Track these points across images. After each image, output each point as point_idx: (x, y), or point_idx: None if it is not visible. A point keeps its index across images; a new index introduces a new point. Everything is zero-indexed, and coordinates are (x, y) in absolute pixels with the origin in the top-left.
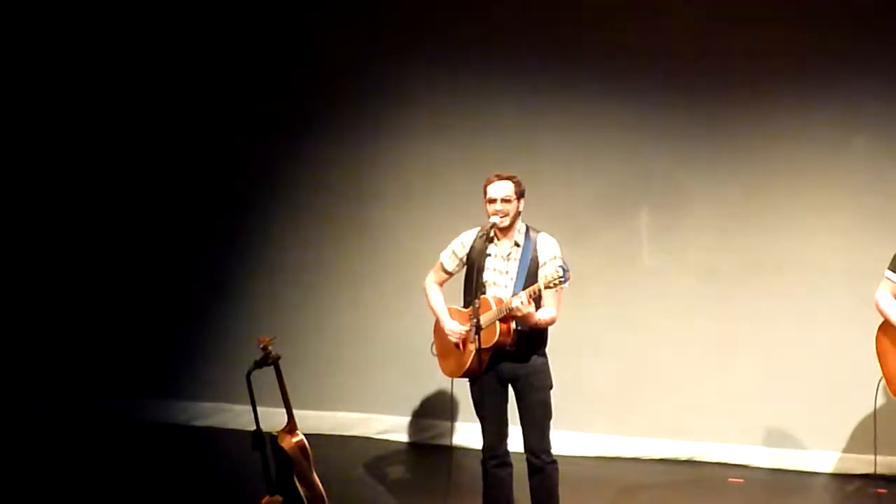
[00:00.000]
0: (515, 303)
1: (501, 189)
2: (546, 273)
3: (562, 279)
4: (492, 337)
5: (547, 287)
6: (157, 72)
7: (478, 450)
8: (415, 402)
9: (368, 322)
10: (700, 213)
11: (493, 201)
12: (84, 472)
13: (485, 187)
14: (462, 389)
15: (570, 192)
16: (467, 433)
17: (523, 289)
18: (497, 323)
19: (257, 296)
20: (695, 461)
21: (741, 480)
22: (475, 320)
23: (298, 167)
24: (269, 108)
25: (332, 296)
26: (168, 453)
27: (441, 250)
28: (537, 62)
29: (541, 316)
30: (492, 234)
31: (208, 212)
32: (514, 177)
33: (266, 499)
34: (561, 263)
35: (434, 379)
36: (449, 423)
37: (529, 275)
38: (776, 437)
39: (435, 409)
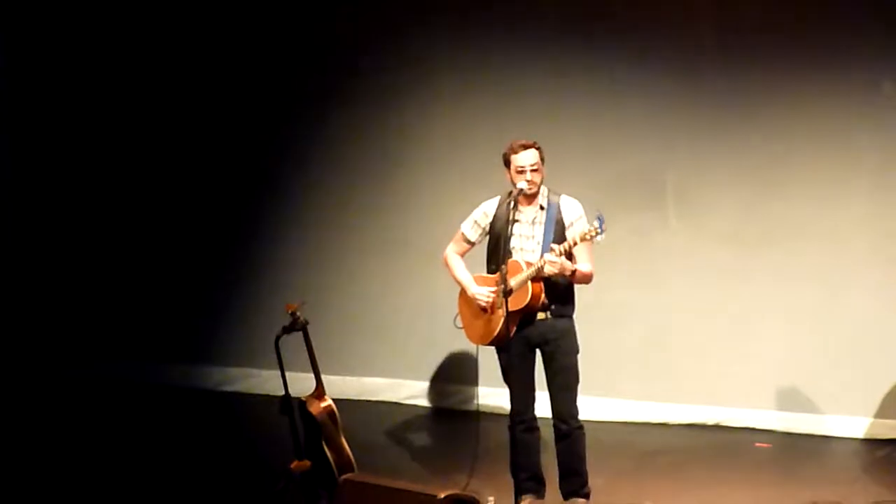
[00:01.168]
0: (548, 256)
1: (530, 157)
2: (579, 229)
3: (598, 230)
4: (524, 298)
5: (583, 239)
6: (186, 42)
7: (503, 415)
8: (441, 368)
9: (395, 288)
10: (724, 179)
11: (522, 170)
12: (113, 438)
13: (509, 156)
14: (488, 355)
15: (595, 159)
16: (493, 398)
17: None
18: (529, 283)
19: (285, 262)
20: (721, 426)
21: (768, 445)
22: (503, 284)
23: (326, 135)
24: (296, 77)
25: (359, 262)
26: (197, 419)
27: (466, 217)
28: (562, 29)
29: (579, 268)
30: (513, 201)
31: (237, 179)
32: (535, 143)
33: (295, 463)
34: (598, 215)
35: (460, 345)
36: (475, 389)
37: (556, 238)
38: (803, 403)
39: (461, 375)
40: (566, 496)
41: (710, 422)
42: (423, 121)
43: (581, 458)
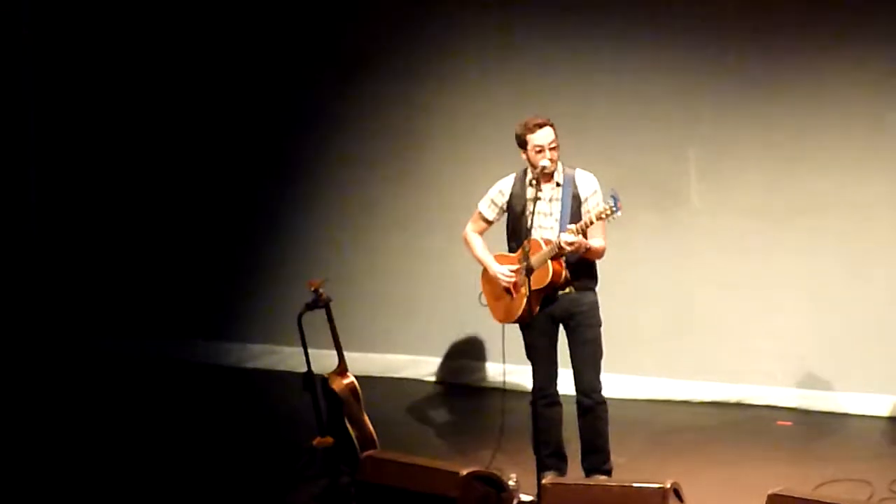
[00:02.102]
0: (565, 237)
1: (548, 135)
2: (595, 205)
3: (613, 209)
4: (545, 277)
5: (599, 218)
6: (206, 22)
7: (525, 391)
8: (464, 345)
9: (418, 265)
10: (748, 154)
11: (542, 149)
12: (135, 413)
13: (525, 136)
14: (511, 331)
15: (617, 133)
16: (515, 375)
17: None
18: (549, 262)
19: (308, 238)
20: (743, 404)
21: (790, 423)
22: (525, 262)
23: (349, 113)
24: (317, 55)
25: (382, 239)
26: (219, 395)
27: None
28: (585, 5)
29: (592, 244)
30: (530, 178)
31: (260, 157)
32: (549, 120)
33: (317, 440)
34: (612, 193)
35: (483, 322)
36: (497, 365)
37: (573, 213)
38: (826, 380)
39: (484, 352)
40: (588, 472)
41: (733, 399)
42: (446, 97)
43: (603, 435)
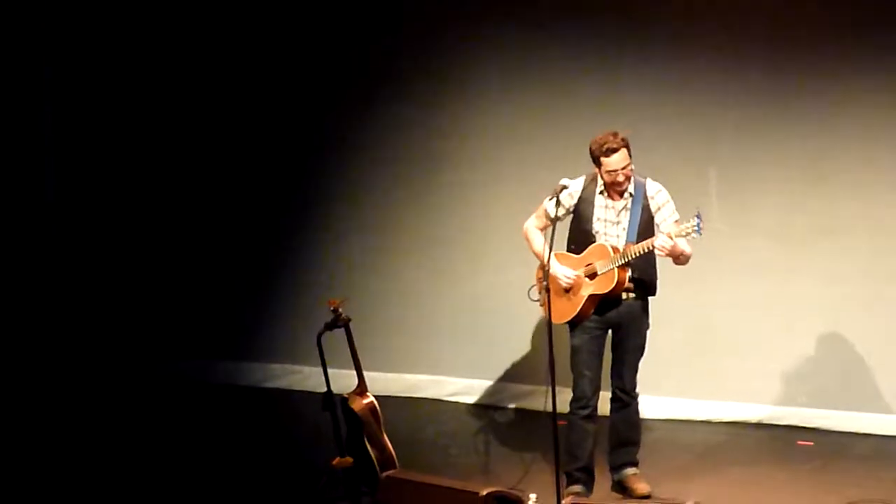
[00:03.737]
0: (660, 243)
1: (621, 160)
2: (670, 213)
3: (696, 228)
4: (609, 283)
5: (679, 235)
6: (228, 40)
7: (544, 413)
8: (485, 365)
9: (438, 285)
10: (769, 175)
11: (615, 173)
12: (155, 432)
13: (599, 158)
14: (534, 352)
15: (637, 153)
16: (534, 396)
17: (636, 237)
18: (616, 269)
19: (328, 258)
20: (764, 424)
21: (811, 443)
22: (589, 266)
23: (369, 135)
24: (338, 74)
25: (402, 259)
26: (239, 415)
27: (510, 213)
28: (608, 24)
29: (682, 247)
30: (601, 188)
31: (281, 177)
32: (623, 139)
33: (337, 460)
34: (697, 213)
35: (504, 342)
36: (518, 386)
37: (642, 223)
38: (847, 401)
39: (504, 372)
40: (618, 467)
41: (753, 419)
42: (466, 119)
43: (637, 428)
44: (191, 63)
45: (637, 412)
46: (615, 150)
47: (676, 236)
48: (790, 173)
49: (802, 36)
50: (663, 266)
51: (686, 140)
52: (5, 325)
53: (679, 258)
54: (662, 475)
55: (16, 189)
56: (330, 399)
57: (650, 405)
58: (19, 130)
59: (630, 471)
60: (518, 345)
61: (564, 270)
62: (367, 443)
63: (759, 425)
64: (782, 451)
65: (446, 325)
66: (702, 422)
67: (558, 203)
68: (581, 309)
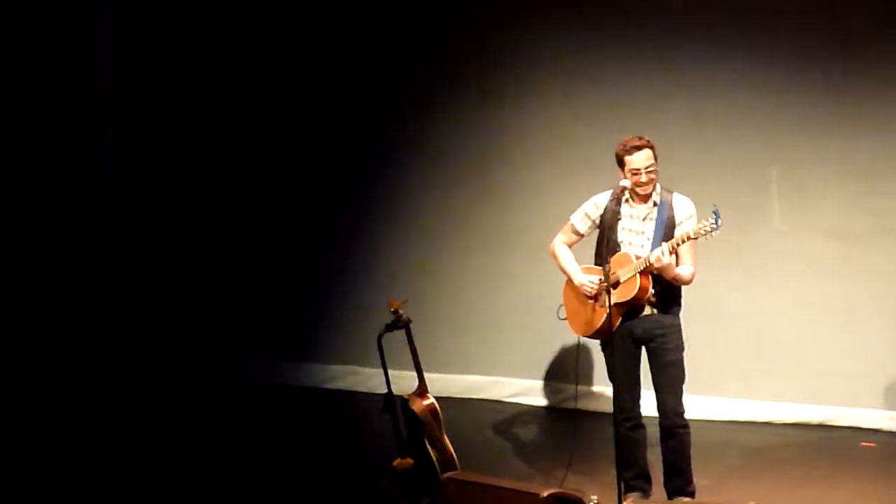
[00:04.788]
0: (655, 254)
1: (644, 159)
2: (689, 227)
3: (714, 225)
4: (631, 290)
5: (697, 235)
6: (289, 43)
7: (607, 413)
8: (545, 366)
9: (499, 286)
10: (830, 174)
11: (637, 172)
12: (219, 434)
13: (622, 157)
14: (591, 353)
15: (698, 153)
16: (595, 398)
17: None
18: (637, 276)
19: (389, 261)
20: (826, 425)
21: (873, 445)
22: (612, 274)
23: (429, 136)
24: (396, 77)
25: (461, 260)
26: (300, 416)
27: (568, 213)
28: (665, 23)
29: (679, 272)
30: (626, 196)
31: (342, 181)
32: (648, 141)
33: (397, 461)
34: (714, 209)
35: (564, 342)
36: (578, 387)
37: (666, 234)
38: None
39: (565, 373)
40: (670, 495)
41: (815, 420)
42: (525, 119)
43: (685, 458)
44: (257, 66)
45: (684, 441)
46: (639, 149)
47: (695, 234)
48: (852, 172)
49: (863, 33)
50: (725, 264)
51: (747, 140)
52: (71, 323)
53: (675, 280)
54: (723, 476)
55: (80, 185)
56: (390, 400)
57: (712, 406)
58: (81, 134)
59: (683, 500)
60: (578, 346)
61: (588, 278)
62: (427, 444)
63: (822, 426)
64: (845, 453)
65: (507, 326)
66: (763, 423)
67: (586, 216)
68: (605, 319)
